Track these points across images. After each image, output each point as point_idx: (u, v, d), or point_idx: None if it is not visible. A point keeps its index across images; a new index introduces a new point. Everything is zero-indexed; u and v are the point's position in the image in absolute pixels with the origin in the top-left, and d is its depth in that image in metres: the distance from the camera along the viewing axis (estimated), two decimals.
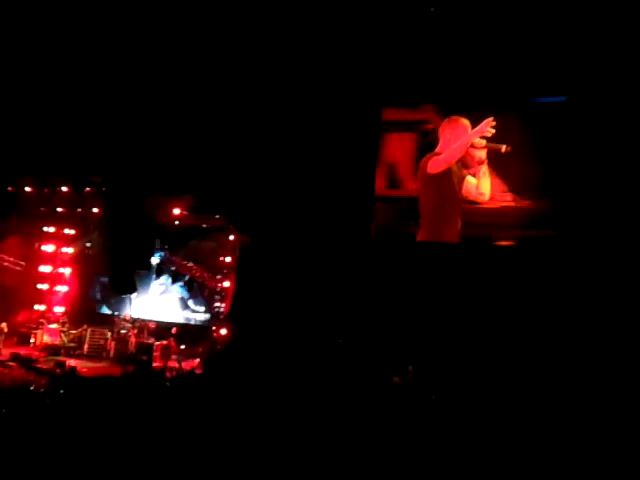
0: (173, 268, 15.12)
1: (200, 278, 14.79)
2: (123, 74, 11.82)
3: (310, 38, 10.83)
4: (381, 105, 11.62)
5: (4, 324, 13.31)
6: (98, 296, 15.35)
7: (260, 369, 8.39)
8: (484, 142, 10.74)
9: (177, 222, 14.39)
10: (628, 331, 8.86)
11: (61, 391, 7.41)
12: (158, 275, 15.31)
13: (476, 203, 10.87)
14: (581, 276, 9.50)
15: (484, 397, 7.78)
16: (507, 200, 10.78)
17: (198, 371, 11.31)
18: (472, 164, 10.86)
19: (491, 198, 10.83)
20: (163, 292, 15.28)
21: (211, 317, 14.68)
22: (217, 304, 14.49)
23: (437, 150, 11.06)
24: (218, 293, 14.46)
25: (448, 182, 10.81)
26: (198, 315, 14.93)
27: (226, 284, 13.89)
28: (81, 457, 5.31)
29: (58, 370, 10.45)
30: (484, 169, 10.76)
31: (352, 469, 5.45)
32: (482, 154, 10.73)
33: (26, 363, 11.15)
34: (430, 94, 11.22)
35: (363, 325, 10.53)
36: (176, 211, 13.80)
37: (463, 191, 10.87)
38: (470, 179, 10.91)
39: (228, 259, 14.06)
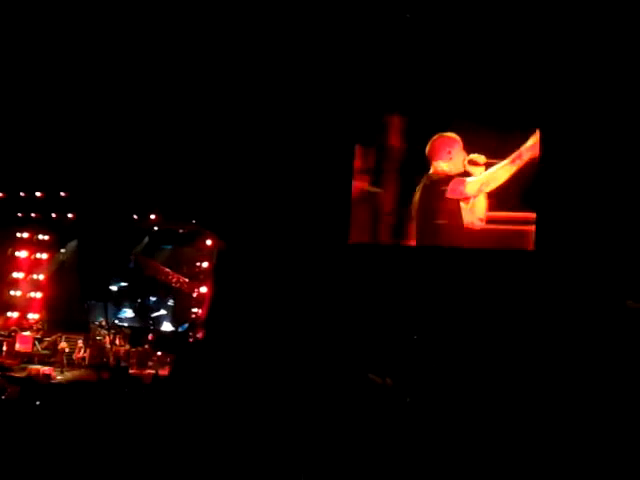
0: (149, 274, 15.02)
1: (177, 284, 14.69)
2: (96, 86, 11.75)
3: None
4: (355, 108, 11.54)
5: (64, 343, 13.31)
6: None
7: (238, 374, 8.35)
8: (484, 158, 10.35)
9: (155, 228, 14.28)
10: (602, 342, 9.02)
11: (36, 400, 7.30)
12: (132, 283, 15.17)
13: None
14: (559, 289, 9.62)
15: (460, 400, 7.84)
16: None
17: (175, 377, 11.22)
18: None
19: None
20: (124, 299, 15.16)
21: (177, 325, 14.64)
22: (194, 310, 14.41)
23: (434, 170, 10.70)
24: (195, 299, 14.38)
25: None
26: (162, 324, 14.90)
27: (203, 289, 13.82)
28: (56, 466, 5.23)
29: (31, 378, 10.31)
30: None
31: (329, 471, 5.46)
32: (482, 171, 10.40)
33: None
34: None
35: (340, 329, 10.55)
36: (152, 217, 13.73)
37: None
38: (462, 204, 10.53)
39: (205, 264, 14.00)
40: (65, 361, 13.11)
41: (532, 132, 10.40)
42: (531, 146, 10.34)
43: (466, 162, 10.53)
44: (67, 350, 13.29)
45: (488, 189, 10.47)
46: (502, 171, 10.38)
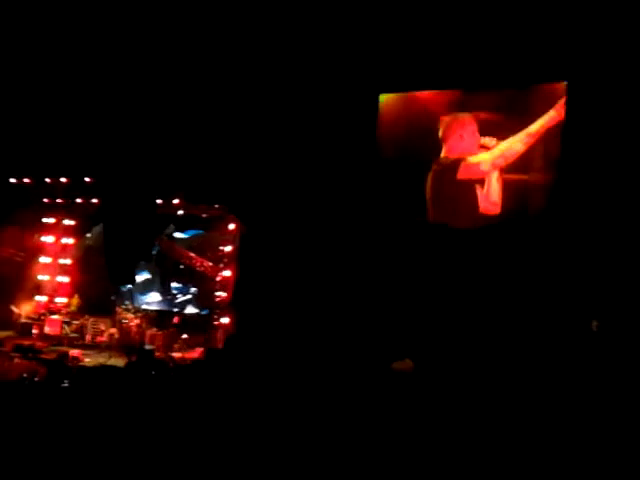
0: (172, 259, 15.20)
1: (201, 268, 14.81)
2: (118, 69, 11.82)
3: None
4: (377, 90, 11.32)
5: (113, 329, 13.53)
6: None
7: (263, 358, 8.42)
8: (496, 141, 9.87)
9: (179, 212, 14.38)
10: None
11: (65, 381, 7.45)
12: (158, 265, 15.37)
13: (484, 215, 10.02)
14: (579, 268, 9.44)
15: (485, 383, 7.81)
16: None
17: (201, 360, 11.35)
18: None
19: None
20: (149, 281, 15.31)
21: (201, 308, 14.80)
22: (218, 293, 14.51)
23: (445, 154, 10.34)
24: (219, 283, 14.48)
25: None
26: (187, 307, 15.07)
27: (227, 273, 13.92)
28: (85, 448, 5.33)
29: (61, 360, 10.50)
30: (496, 174, 9.91)
31: (353, 461, 5.48)
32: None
33: (28, 353, 11.20)
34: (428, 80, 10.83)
35: (364, 312, 10.55)
36: (175, 201, 13.82)
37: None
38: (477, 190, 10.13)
39: (228, 248, 14.08)
40: (93, 344, 13.35)
41: (553, 103, 9.92)
42: (550, 118, 9.80)
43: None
44: (115, 334, 13.48)
45: (504, 163, 9.99)
46: (519, 144, 9.86)
